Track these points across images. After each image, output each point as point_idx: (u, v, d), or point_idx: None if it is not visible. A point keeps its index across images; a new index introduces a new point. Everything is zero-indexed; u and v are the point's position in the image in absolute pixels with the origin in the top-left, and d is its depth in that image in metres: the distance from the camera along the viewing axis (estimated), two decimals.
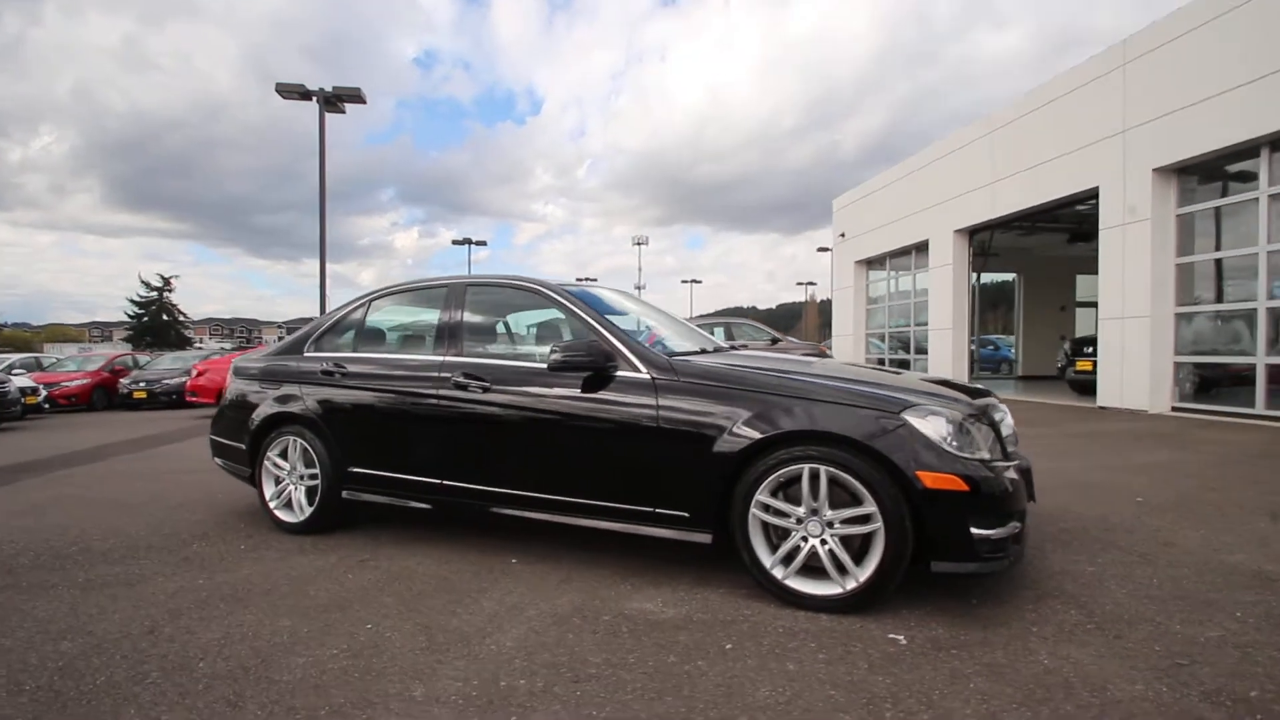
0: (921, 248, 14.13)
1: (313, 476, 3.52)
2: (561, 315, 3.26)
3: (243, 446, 3.79)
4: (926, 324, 14.02)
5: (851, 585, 2.35)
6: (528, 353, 3.38)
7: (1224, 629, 2.23)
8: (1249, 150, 7.46)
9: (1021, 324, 18.99)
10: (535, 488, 2.94)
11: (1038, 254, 17.55)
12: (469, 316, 3.36)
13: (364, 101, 18.17)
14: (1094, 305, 20.09)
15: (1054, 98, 10.14)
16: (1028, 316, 18.90)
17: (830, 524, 2.39)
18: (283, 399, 3.64)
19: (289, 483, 3.61)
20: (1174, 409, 8.49)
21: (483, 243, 45.97)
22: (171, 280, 51.00)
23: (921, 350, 14.64)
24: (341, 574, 2.92)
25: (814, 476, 2.39)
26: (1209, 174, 8.23)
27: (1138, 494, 4.21)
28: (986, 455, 2.38)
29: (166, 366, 16.34)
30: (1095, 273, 19.19)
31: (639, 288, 51.66)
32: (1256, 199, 7.46)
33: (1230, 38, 7.51)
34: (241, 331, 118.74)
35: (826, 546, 2.39)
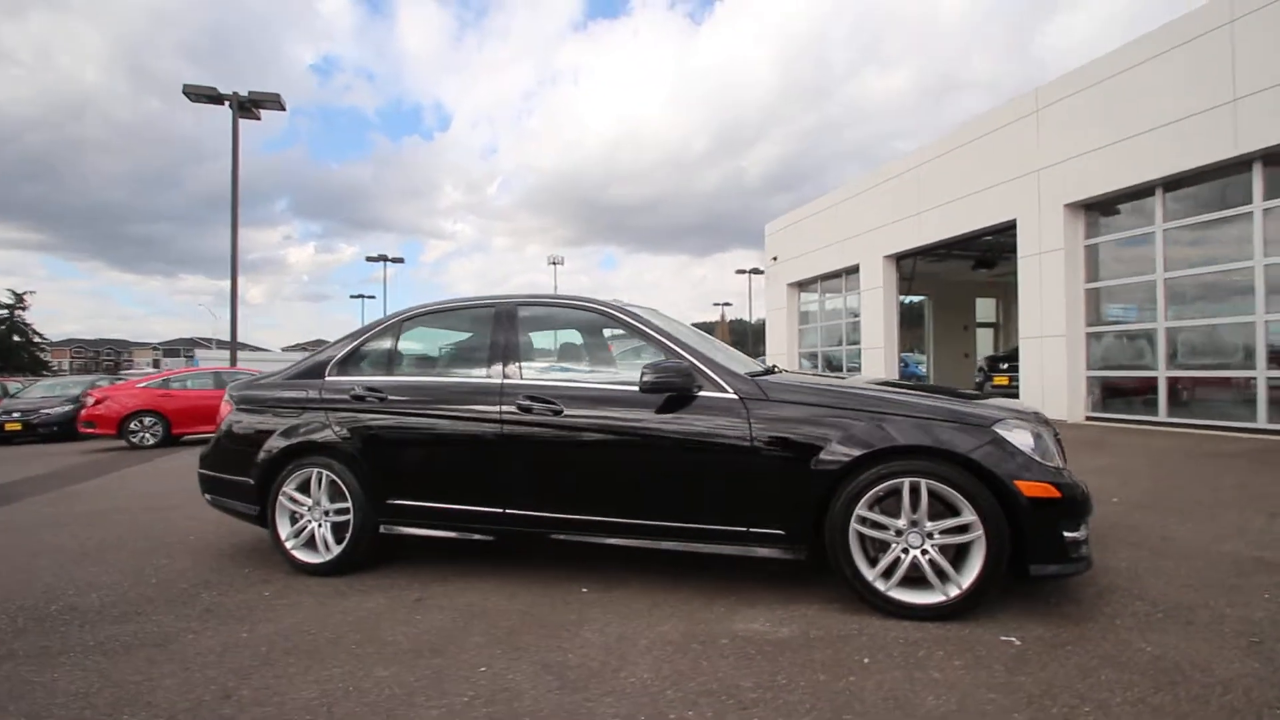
0: (852, 271, 15.05)
1: (341, 511, 3.23)
2: (622, 333, 3.22)
3: (248, 481, 3.42)
4: (858, 343, 14.89)
5: (955, 592, 2.46)
6: (597, 374, 3.29)
7: (1265, 609, 2.52)
8: (1146, 190, 8.58)
9: (932, 343, 20.58)
10: (618, 513, 2.86)
11: (945, 279, 19.13)
12: (525, 337, 3.24)
13: (283, 108, 17.16)
14: (991, 326, 22.13)
15: (976, 137, 11.21)
16: (937, 336, 20.48)
17: (930, 535, 2.50)
18: (303, 428, 3.33)
19: (310, 519, 3.29)
20: (1088, 418, 9.48)
21: (399, 259, 44.23)
22: (25, 296, 45.16)
23: (853, 368, 15.51)
24: (406, 615, 2.70)
25: (914, 490, 2.50)
26: (1113, 210, 9.36)
27: (1111, 495, 4.66)
28: (1060, 463, 2.59)
29: (42, 394, 14.42)
30: (992, 297, 21.09)
31: None
32: (1153, 232, 8.57)
33: (1128, 92, 8.65)
34: (109, 354, 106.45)
35: (927, 557, 2.49)
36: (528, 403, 2.99)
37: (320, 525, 3.27)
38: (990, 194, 10.80)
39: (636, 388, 2.87)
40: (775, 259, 18.46)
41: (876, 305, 13.97)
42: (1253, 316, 7.44)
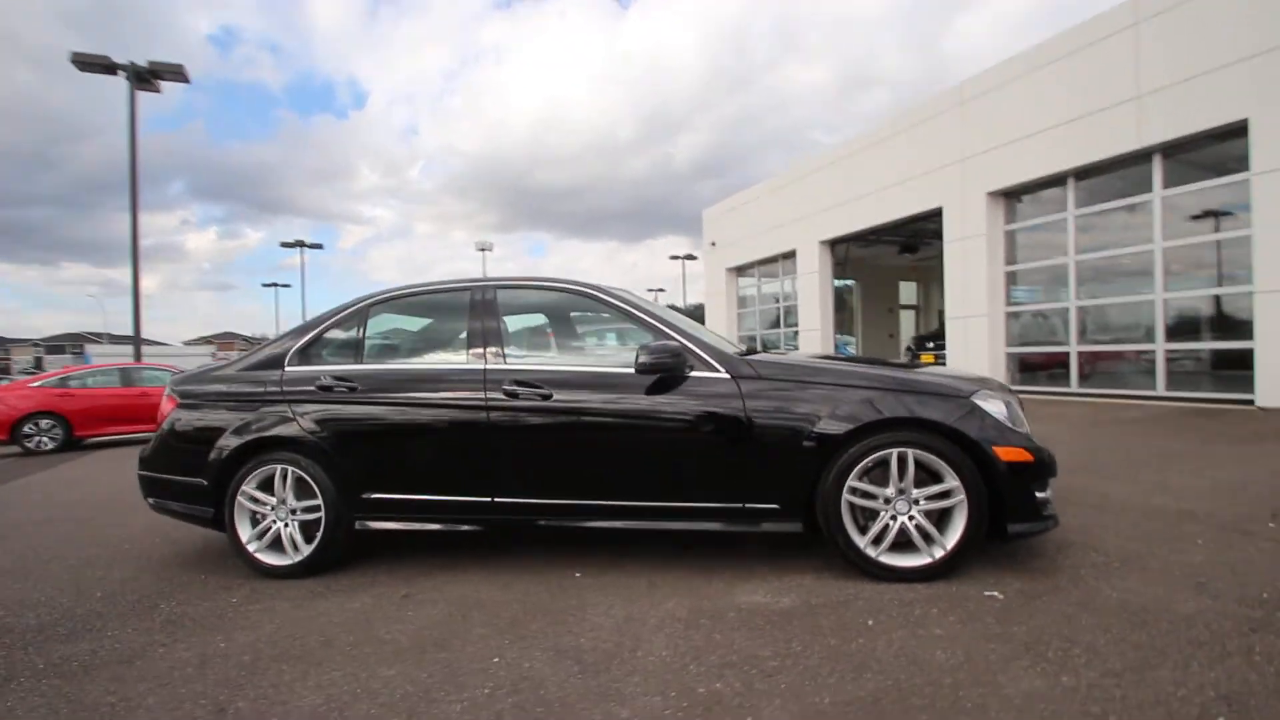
0: (789, 256, 15.48)
1: (311, 510, 3.04)
2: (605, 314, 3.18)
3: (201, 482, 3.16)
4: (795, 326, 15.38)
5: (940, 554, 2.60)
6: (580, 357, 3.24)
7: (1201, 554, 2.82)
8: (1059, 179, 9.25)
9: (860, 324, 21.53)
10: (613, 496, 2.84)
11: (872, 264, 20.01)
12: (503, 321, 3.15)
13: (186, 79, 15.77)
14: (913, 308, 23.33)
15: (907, 127, 11.72)
16: (864, 318, 21.45)
17: (915, 501, 2.63)
18: (264, 423, 3.10)
19: (274, 519, 3.09)
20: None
21: (318, 245, 41.77)
22: None
23: (790, 350, 16.03)
24: (397, 612, 2.59)
25: (901, 460, 2.62)
26: (1030, 196, 10.04)
27: None
28: (1027, 428, 2.78)
29: None
30: (914, 280, 22.19)
31: None
32: (1065, 218, 9.27)
33: (1045, 88, 9.26)
34: None
35: (914, 522, 2.62)
36: (514, 388, 2.91)
37: (286, 525, 3.07)
38: (919, 182, 11.35)
39: (623, 370, 2.85)
40: (714, 244, 18.72)
41: (813, 289, 14.46)
42: (1153, 295, 8.21)
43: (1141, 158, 8.24)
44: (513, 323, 3.27)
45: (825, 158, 14.00)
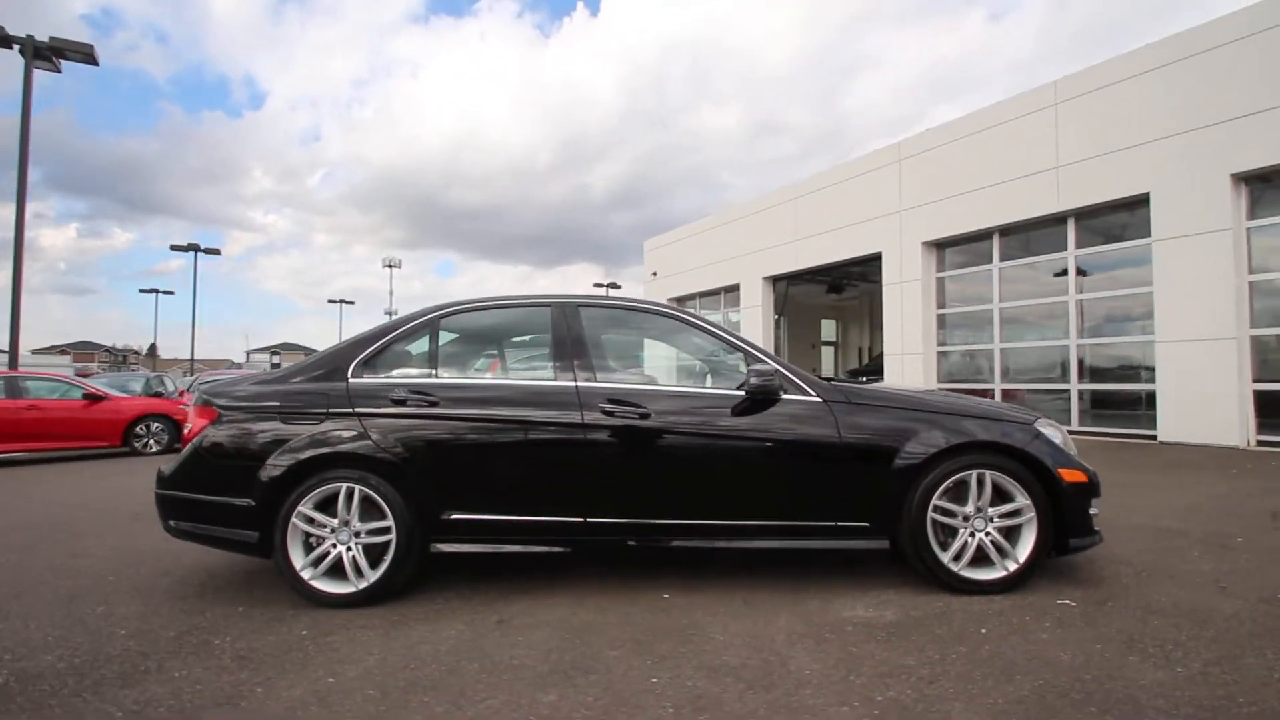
0: (732, 289, 16.12)
1: (379, 531, 2.85)
2: (694, 338, 3.25)
3: (246, 504, 2.87)
4: None
5: (1013, 568, 2.84)
6: (666, 377, 3.26)
7: (1207, 564, 3.24)
8: (986, 234, 10.34)
9: (787, 358, 22.65)
10: (709, 515, 2.87)
11: (798, 301, 21.22)
12: (589, 339, 3.13)
13: (94, 61, 14.33)
14: (832, 344, 24.80)
15: (849, 177, 12.68)
16: (790, 353, 22.60)
17: (991, 519, 2.86)
18: (329, 437, 2.89)
19: (333, 543, 2.86)
20: None
21: (215, 251, 38.40)
22: None
23: None
24: (504, 638, 2.47)
25: (979, 480, 2.85)
26: (961, 248, 11.12)
27: None
28: (1076, 452, 3.11)
29: None
30: (834, 319, 23.64)
31: (390, 313, 48.60)
32: (991, 269, 10.34)
33: (974, 152, 10.38)
34: None
35: (990, 538, 2.86)
36: (611, 406, 2.89)
37: (350, 549, 2.85)
38: (862, 228, 12.28)
39: (713, 390, 2.93)
40: (655, 274, 19.15)
41: (755, 322, 15.11)
42: (1068, 340, 9.30)
43: (1058, 220, 9.41)
44: (599, 342, 3.25)
45: (773, 198, 14.83)
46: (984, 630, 2.45)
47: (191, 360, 33.56)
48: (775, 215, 14.54)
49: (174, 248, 35.02)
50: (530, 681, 2.11)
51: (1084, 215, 9.15)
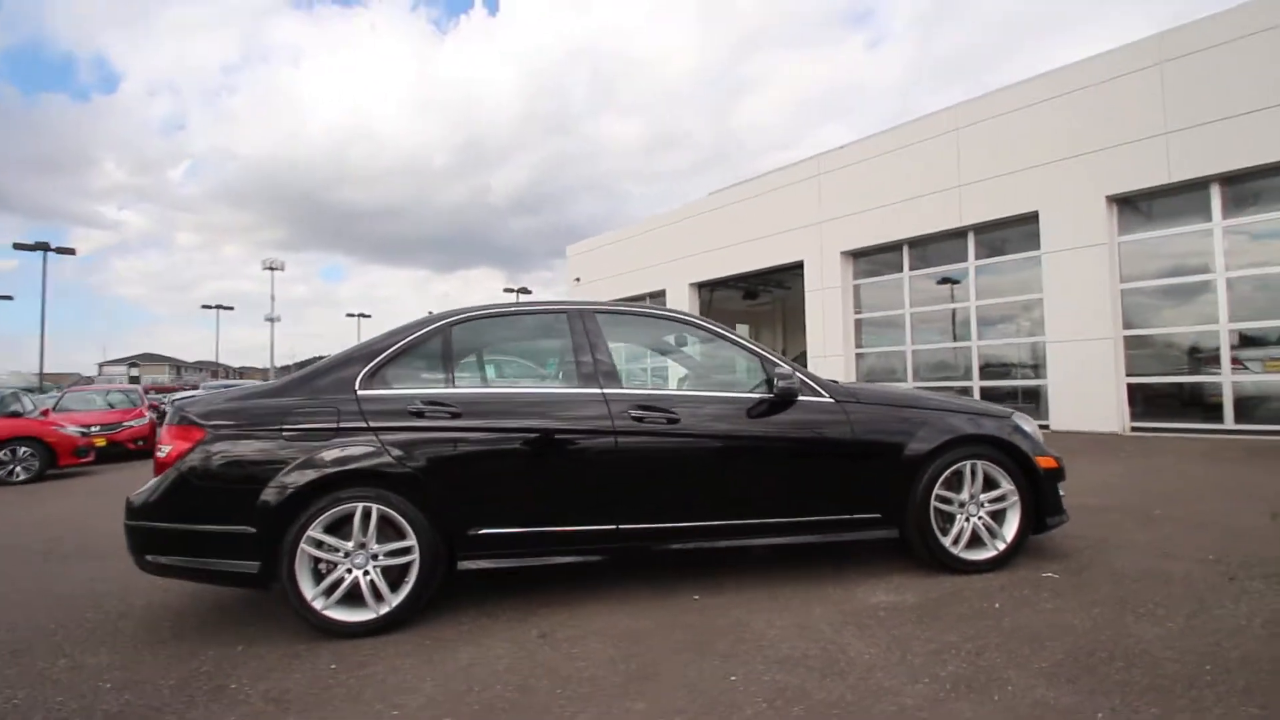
0: (658, 295, 16.40)
1: (399, 553, 2.68)
2: (697, 341, 3.33)
3: (246, 531, 2.62)
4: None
5: (1002, 547, 3.14)
6: (684, 381, 3.30)
7: (1143, 535, 3.72)
8: (897, 246, 11.24)
9: None
10: (737, 515, 2.96)
11: (716, 306, 21.99)
12: (609, 345, 3.12)
13: None
14: None
15: (771, 189, 13.33)
16: None
17: (983, 504, 3.16)
18: (341, 454, 2.69)
19: (348, 568, 2.66)
20: None
21: (69, 250, 33.82)
22: None
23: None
24: (555, 651, 2.42)
25: (973, 469, 3.14)
26: (874, 258, 11.99)
27: None
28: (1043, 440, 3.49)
29: None
30: (748, 324, 24.58)
31: (273, 319, 45.08)
32: (902, 278, 11.25)
33: (886, 171, 11.25)
34: None
35: (983, 521, 3.15)
36: (640, 413, 2.91)
37: (369, 573, 2.67)
38: (785, 238, 12.94)
39: (733, 394, 3.05)
40: (578, 280, 19.10)
41: None
42: (970, 343, 10.29)
43: (960, 234, 10.41)
44: (620, 348, 3.25)
45: (699, 207, 15.27)
46: (997, 605, 2.70)
47: (40, 374, 29.33)
48: (701, 223, 14.98)
49: (18, 246, 30.39)
50: (610, 693, 2.09)
51: (982, 230, 10.18)
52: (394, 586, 2.69)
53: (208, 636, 2.72)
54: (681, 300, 15.48)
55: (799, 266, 12.83)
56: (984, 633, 2.42)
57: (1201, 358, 8.20)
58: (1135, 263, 8.63)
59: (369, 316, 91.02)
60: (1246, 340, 7.78)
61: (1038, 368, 9.55)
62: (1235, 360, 7.74)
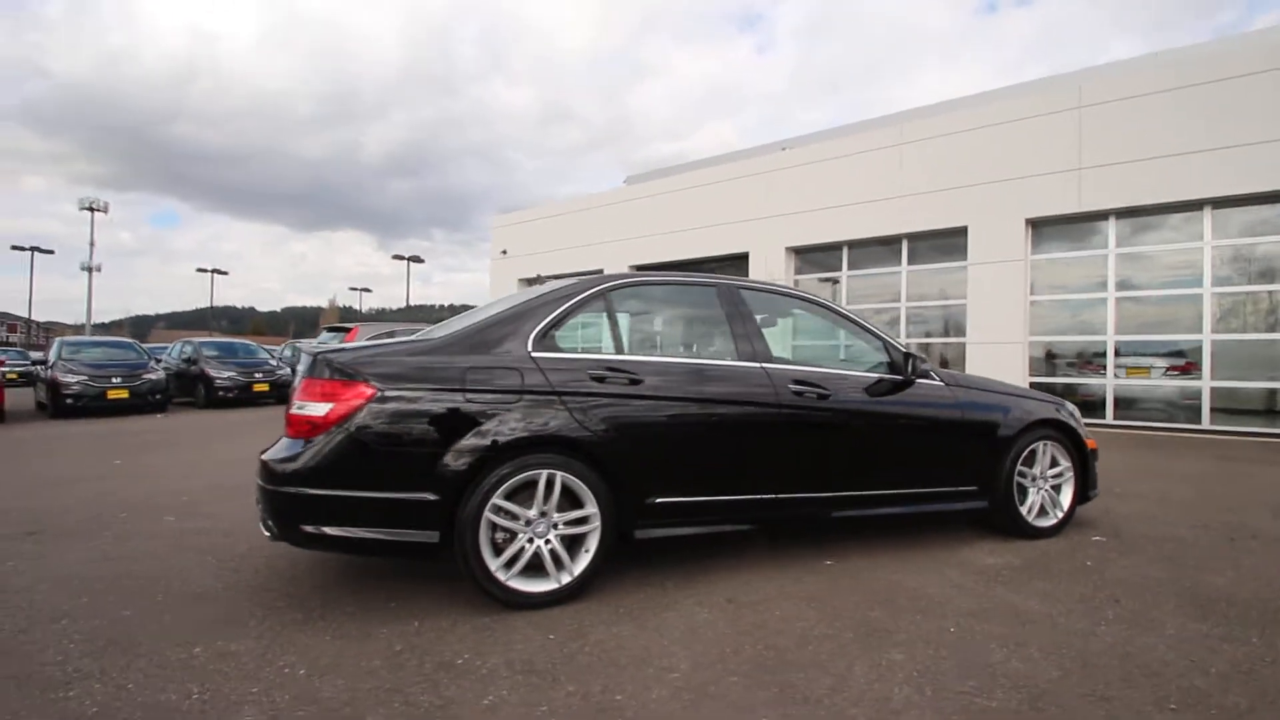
0: (593, 274, 16.30)
1: (578, 521, 2.63)
2: (827, 324, 3.53)
3: (425, 499, 2.44)
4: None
5: (1061, 515, 3.66)
6: (820, 360, 3.45)
7: (1125, 507, 4.46)
8: (838, 246, 12.11)
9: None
10: (873, 486, 3.19)
11: None
12: (758, 320, 3.21)
13: None
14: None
15: (722, 180, 13.73)
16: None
17: (1048, 479, 3.66)
18: (529, 418, 2.57)
19: (529, 537, 2.57)
20: None
21: None
22: None
23: None
24: (760, 616, 2.52)
25: (1044, 449, 3.62)
26: (817, 255, 12.79)
27: None
28: None
29: None
30: None
31: (91, 268, 39.05)
32: (839, 275, 12.15)
33: (831, 176, 12.03)
34: None
35: (1046, 494, 3.65)
36: (798, 388, 3.05)
37: (549, 542, 2.59)
38: (734, 229, 13.41)
39: (866, 373, 3.31)
40: (505, 253, 18.45)
41: None
42: (901, 341, 11.38)
43: (896, 240, 11.43)
44: (762, 324, 3.32)
45: (642, 190, 15.35)
46: (1089, 563, 3.18)
47: None
48: (645, 206, 15.08)
49: None
50: (860, 646, 2.24)
51: (916, 238, 11.27)
52: (575, 555, 2.63)
53: (366, 615, 2.49)
54: None
55: (742, 258, 13.37)
56: (1101, 585, 2.86)
57: (1089, 363, 9.74)
58: (1042, 278, 10.02)
59: (225, 273, 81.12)
60: (1122, 350, 9.36)
61: (959, 366, 10.79)
62: (1111, 367, 9.30)
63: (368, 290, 60.63)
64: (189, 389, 13.01)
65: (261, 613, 2.50)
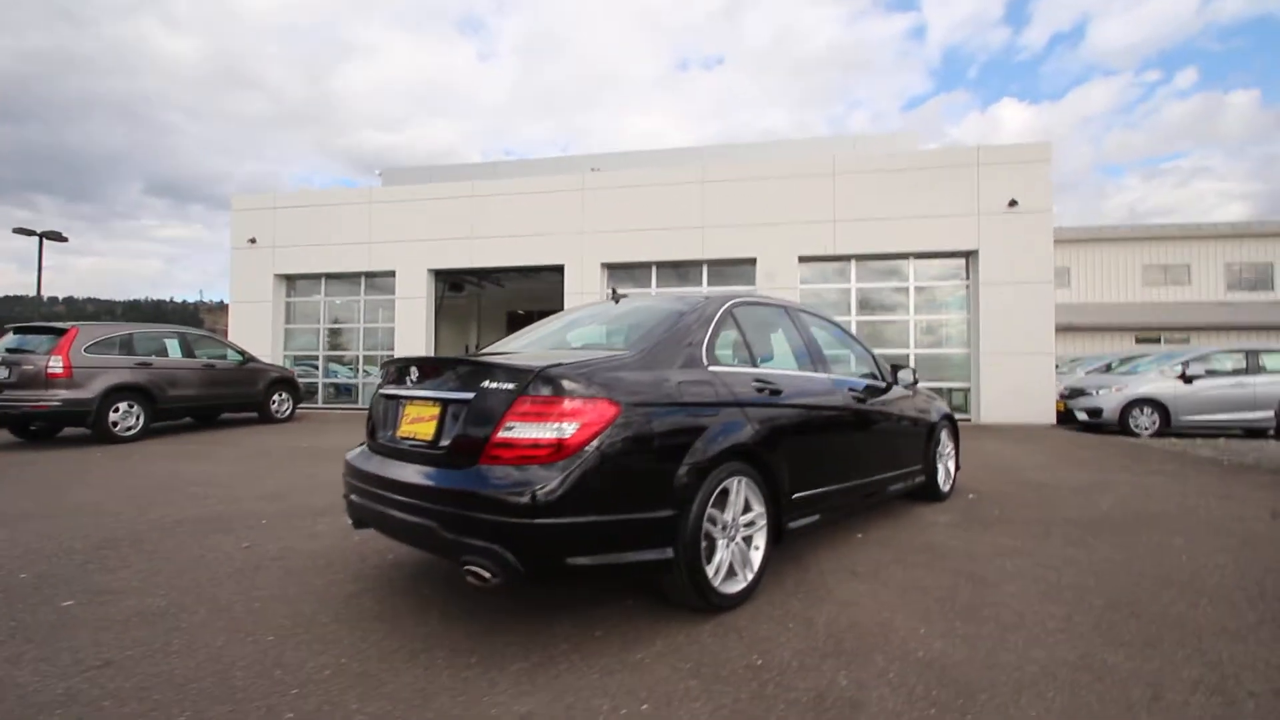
0: (385, 275, 14.78)
1: (750, 523, 2.93)
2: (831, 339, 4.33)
3: (663, 516, 2.48)
4: (392, 349, 14.71)
5: (951, 483, 5.11)
6: (847, 371, 4.17)
7: (1105, 499, 6.29)
8: (650, 265, 13.34)
9: (435, 351, 21.48)
10: (878, 471, 4.04)
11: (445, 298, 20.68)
12: (814, 337, 3.85)
13: None
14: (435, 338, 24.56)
15: (536, 191, 13.80)
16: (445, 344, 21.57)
17: (948, 454, 5.07)
18: (729, 430, 2.77)
19: (725, 541, 2.79)
20: None
21: None
22: None
23: (368, 373, 15.14)
24: (885, 585, 3.16)
25: (945, 432, 5.02)
26: (630, 271, 13.78)
27: None
28: None
29: None
30: (452, 319, 23.65)
31: None
32: (650, 291, 13.40)
33: (643, 201, 13.20)
34: None
35: (946, 466, 5.05)
36: (853, 394, 3.78)
37: (733, 542, 2.82)
38: (547, 240, 13.62)
39: (872, 381, 4.24)
40: (253, 241, 15.37)
41: (417, 313, 14.38)
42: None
43: (698, 264, 13.12)
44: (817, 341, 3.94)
45: (447, 190, 14.45)
46: (1064, 513, 4.57)
47: None
48: (448, 207, 14.25)
49: None
50: (970, 580, 3.04)
51: (716, 264, 13.10)
52: (748, 554, 2.92)
53: (532, 626, 2.42)
54: (417, 287, 14.39)
55: (560, 270, 13.70)
56: (1046, 530, 4.21)
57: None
58: (859, 299, 12.69)
59: None
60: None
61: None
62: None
63: None
64: None
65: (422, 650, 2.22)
